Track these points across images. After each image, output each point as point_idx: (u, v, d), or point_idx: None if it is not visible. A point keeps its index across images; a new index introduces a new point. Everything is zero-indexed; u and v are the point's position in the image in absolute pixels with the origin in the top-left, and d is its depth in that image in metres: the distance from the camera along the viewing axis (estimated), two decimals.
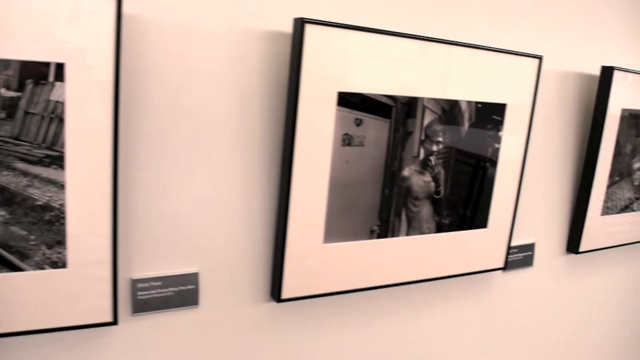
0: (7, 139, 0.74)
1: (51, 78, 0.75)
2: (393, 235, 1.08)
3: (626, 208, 1.58)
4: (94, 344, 0.89)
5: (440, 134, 1.08)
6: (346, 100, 0.95)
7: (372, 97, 0.98)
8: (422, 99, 1.04)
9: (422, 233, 1.12)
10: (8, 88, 0.73)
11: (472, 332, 1.38)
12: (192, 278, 0.94)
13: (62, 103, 0.76)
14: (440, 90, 1.05)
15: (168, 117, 0.87)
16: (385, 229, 1.07)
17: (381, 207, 1.05)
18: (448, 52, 1.05)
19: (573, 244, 1.50)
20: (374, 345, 1.20)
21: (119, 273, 0.87)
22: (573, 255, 1.54)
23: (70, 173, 0.78)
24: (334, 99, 0.93)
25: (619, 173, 1.50)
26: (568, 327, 1.64)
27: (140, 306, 0.91)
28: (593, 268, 1.63)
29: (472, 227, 1.20)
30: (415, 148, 1.06)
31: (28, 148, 0.76)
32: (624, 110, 1.44)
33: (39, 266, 0.80)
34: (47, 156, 0.77)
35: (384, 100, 0.99)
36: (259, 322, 1.03)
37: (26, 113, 0.75)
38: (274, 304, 1.03)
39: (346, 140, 0.97)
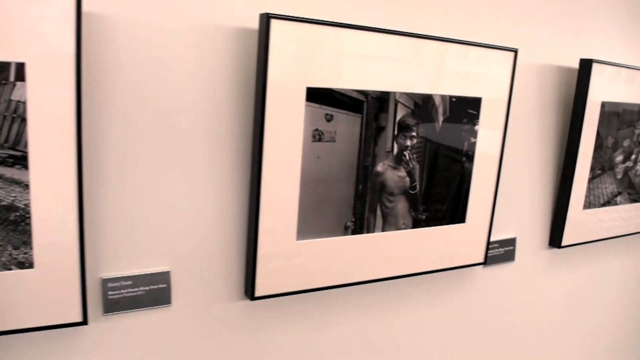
0: None
1: (12, 78, 0.74)
2: (368, 231, 1.08)
3: (609, 202, 1.58)
4: (64, 344, 0.88)
5: (414, 128, 1.08)
6: (316, 95, 0.94)
7: (342, 92, 0.98)
8: (394, 93, 1.04)
9: (398, 229, 1.12)
10: None
11: (452, 329, 1.37)
12: (164, 277, 0.94)
13: (24, 103, 0.75)
14: (412, 84, 1.05)
15: (135, 115, 0.86)
16: (359, 225, 1.06)
17: (355, 203, 1.05)
18: (419, 46, 1.04)
19: (555, 238, 1.49)
20: (350, 343, 1.19)
21: (88, 272, 0.87)
22: (555, 250, 1.54)
23: (34, 173, 0.78)
24: (302, 94, 0.93)
25: (600, 166, 1.50)
26: (551, 323, 1.64)
27: (111, 306, 0.91)
28: (576, 262, 1.62)
29: (450, 222, 1.20)
30: (388, 143, 1.06)
31: None
32: (604, 103, 1.43)
33: (6, 267, 0.79)
34: (10, 156, 0.77)
35: (355, 95, 0.99)
36: (232, 321, 1.02)
37: None
38: (248, 302, 1.03)
39: (317, 136, 0.97)
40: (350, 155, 1.02)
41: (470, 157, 1.19)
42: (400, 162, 1.08)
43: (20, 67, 0.74)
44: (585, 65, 1.37)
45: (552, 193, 1.48)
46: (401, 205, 1.11)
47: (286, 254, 0.99)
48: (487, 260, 1.32)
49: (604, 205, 1.56)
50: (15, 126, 0.76)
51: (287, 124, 0.93)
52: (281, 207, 0.96)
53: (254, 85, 0.94)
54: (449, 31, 1.16)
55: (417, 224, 1.15)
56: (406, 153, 1.08)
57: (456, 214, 1.21)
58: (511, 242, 1.42)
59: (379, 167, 1.06)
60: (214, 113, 0.93)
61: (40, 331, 0.84)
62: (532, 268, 1.50)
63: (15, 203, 0.78)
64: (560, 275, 1.59)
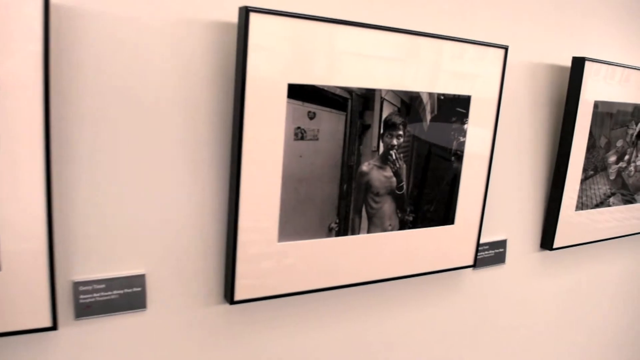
0: None
1: None
2: (353, 233, 1.05)
3: (602, 203, 1.55)
4: (33, 350, 0.85)
5: (401, 127, 1.05)
6: (298, 92, 0.91)
7: (326, 88, 0.94)
8: (380, 90, 1.00)
9: (384, 230, 1.09)
10: None
11: (441, 333, 1.34)
12: (139, 280, 0.90)
13: None
14: (399, 81, 1.02)
15: (108, 112, 0.83)
16: (344, 226, 1.03)
17: (339, 203, 1.01)
18: (406, 42, 1.01)
19: (547, 240, 1.47)
20: (334, 348, 1.16)
21: (58, 275, 0.83)
22: (547, 252, 1.51)
23: (0, 174, 0.75)
24: (284, 91, 0.90)
25: (593, 167, 1.48)
26: (542, 326, 1.61)
27: (84, 310, 0.87)
28: (568, 265, 1.60)
29: (438, 224, 1.17)
30: (374, 142, 1.03)
31: None
32: (597, 103, 1.41)
33: None
34: None
35: (339, 92, 0.96)
36: (211, 325, 0.99)
37: None
38: (227, 306, 0.99)
39: (299, 134, 0.93)
40: (334, 154, 0.98)
41: (459, 157, 1.15)
42: (387, 161, 1.05)
43: None
44: (578, 64, 1.34)
45: (543, 194, 1.46)
46: (387, 206, 1.08)
47: (267, 256, 0.96)
48: (477, 263, 1.29)
49: (596, 206, 1.53)
50: None
51: (268, 122, 0.89)
52: (262, 208, 0.93)
53: (233, 81, 0.91)
54: (436, 27, 1.13)
55: (404, 225, 1.12)
56: (393, 152, 1.05)
57: (445, 215, 1.18)
58: (501, 244, 1.38)
59: (364, 167, 1.03)
60: (191, 110, 0.89)
61: (8, 337, 0.80)
62: (523, 271, 1.47)
63: None
64: (552, 278, 1.56)
